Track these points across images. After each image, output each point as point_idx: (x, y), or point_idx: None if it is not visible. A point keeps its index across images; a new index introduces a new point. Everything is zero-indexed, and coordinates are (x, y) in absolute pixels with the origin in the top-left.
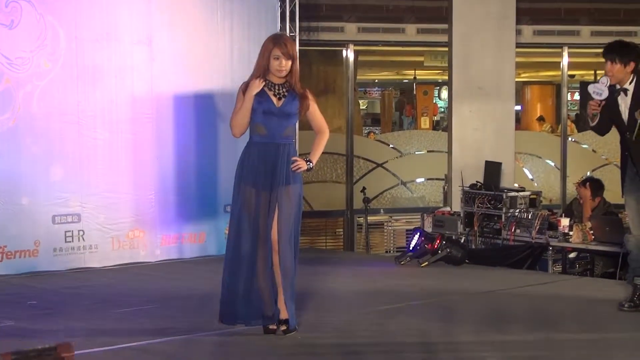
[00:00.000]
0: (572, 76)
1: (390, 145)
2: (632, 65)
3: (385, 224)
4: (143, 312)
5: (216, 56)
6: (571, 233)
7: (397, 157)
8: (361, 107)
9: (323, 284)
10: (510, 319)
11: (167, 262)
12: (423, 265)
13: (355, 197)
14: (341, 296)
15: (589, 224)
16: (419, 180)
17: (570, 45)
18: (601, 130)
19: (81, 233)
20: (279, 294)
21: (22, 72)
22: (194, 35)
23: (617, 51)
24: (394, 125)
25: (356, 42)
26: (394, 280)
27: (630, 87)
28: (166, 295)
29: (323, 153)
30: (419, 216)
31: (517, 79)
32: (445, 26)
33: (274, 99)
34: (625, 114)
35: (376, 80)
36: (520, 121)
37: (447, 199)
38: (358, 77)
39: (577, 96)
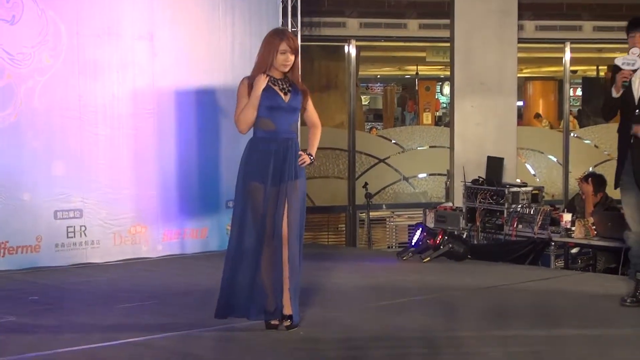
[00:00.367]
0: (574, 72)
1: (393, 141)
2: None
3: (388, 219)
4: (145, 308)
5: (218, 51)
6: (573, 228)
7: (399, 153)
8: (363, 103)
9: (325, 280)
10: (512, 315)
11: (169, 258)
12: (425, 260)
13: (358, 193)
14: (343, 291)
15: (591, 220)
16: (421, 175)
17: (573, 41)
18: (612, 110)
19: (83, 228)
20: (284, 289)
21: (23, 67)
22: (195, 30)
23: None
24: (396, 120)
25: (358, 38)
26: (396, 275)
27: None
28: (168, 290)
29: (325, 148)
30: (421, 212)
31: (519, 75)
32: (447, 21)
33: (281, 94)
34: (638, 92)
35: (378, 76)
36: (522, 117)
37: (449, 194)
38: (360, 73)
39: (579, 92)
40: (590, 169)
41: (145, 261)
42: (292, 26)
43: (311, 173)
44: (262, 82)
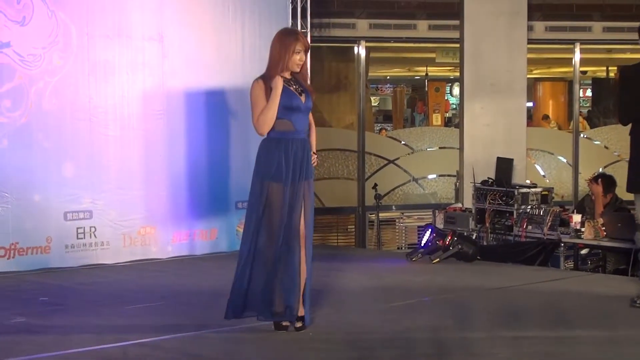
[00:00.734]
0: (584, 72)
1: (402, 142)
2: None
3: (397, 220)
4: (154, 309)
5: (227, 53)
6: (583, 229)
7: (408, 154)
8: (373, 104)
9: (334, 281)
10: (522, 316)
11: (178, 259)
12: (434, 261)
13: (367, 194)
14: (352, 292)
15: (600, 221)
16: (430, 176)
17: (582, 42)
18: (636, 111)
19: (93, 229)
20: (299, 290)
21: (34, 68)
22: (205, 31)
23: None
24: (405, 121)
25: (368, 39)
26: (405, 276)
27: None
28: (177, 291)
29: (335, 149)
30: (431, 212)
31: (528, 76)
32: (456, 22)
33: (298, 95)
34: None
35: (388, 77)
36: (532, 118)
37: (458, 195)
38: (370, 74)
39: (589, 92)
40: (600, 169)
41: (155, 262)
42: (302, 27)
43: (321, 174)
44: (280, 84)
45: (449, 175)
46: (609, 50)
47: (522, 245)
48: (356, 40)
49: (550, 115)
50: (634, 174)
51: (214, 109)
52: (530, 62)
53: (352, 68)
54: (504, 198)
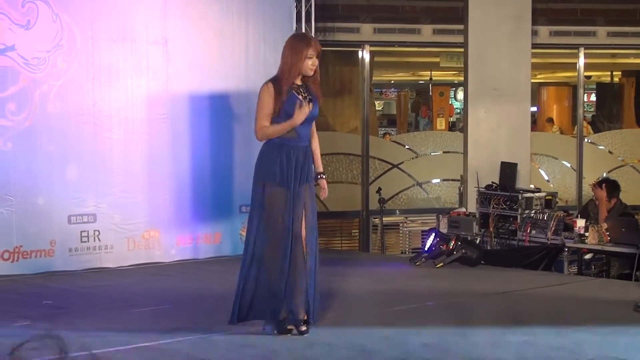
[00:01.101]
0: (588, 77)
1: (406, 146)
2: None
3: (401, 224)
4: (158, 312)
5: (231, 57)
6: (587, 234)
7: (412, 158)
8: (377, 108)
9: (338, 285)
10: (525, 320)
11: (182, 263)
12: (438, 266)
13: (371, 198)
14: (356, 296)
15: (604, 225)
16: (434, 181)
17: (587, 46)
18: None
19: (97, 233)
20: (303, 294)
21: (38, 72)
22: (209, 35)
23: None
24: (409, 126)
25: (372, 43)
26: (409, 281)
27: None
28: (181, 295)
29: (339, 154)
30: (435, 217)
31: (533, 80)
32: (461, 27)
33: (306, 104)
34: None
35: (392, 81)
36: (536, 122)
37: (462, 199)
38: (374, 78)
39: (593, 97)
40: (604, 174)
41: (159, 266)
42: (306, 31)
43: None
44: (303, 115)
45: (452, 180)
46: (613, 55)
47: (525, 249)
48: (360, 44)
49: (554, 120)
50: None
51: (217, 112)
52: (535, 66)
53: (357, 72)
54: (507, 203)
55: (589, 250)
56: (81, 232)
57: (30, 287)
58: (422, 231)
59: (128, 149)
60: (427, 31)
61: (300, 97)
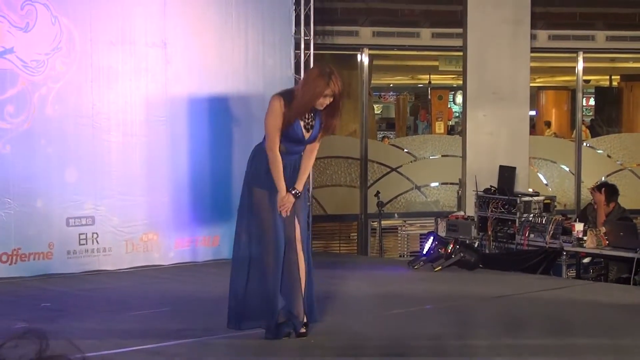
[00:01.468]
0: (587, 81)
1: (405, 150)
2: None
3: (399, 228)
4: (156, 315)
5: (230, 59)
6: (585, 238)
7: (411, 162)
8: (376, 112)
9: (336, 288)
10: (523, 324)
11: (180, 265)
12: (436, 269)
13: (369, 201)
14: (354, 300)
15: (603, 229)
16: (433, 184)
17: (586, 50)
18: None
19: (95, 236)
20: (300, 297)
21: (37, 74)
22: (208, 38)
23: None
24: (408, 129)
25: (371, 46)
26: (407, 284)
27: None
28: (179, 298)
29: (338, 157)
30: (433, 220)
31: (531, 84)
32: (460, 30)
33: (304, 131)
34: None
35: (391, 85)
36: (534, 126)
37: (461, 203)
38: (373, 82)
39: (592, 101)
40: (603, 178)
41: (157, 269)
42: (305, 35)
43: (323, 181)
44: (286, 203)
45: (451, 183)
46: (612, 59)
47: (524, 253)
48: (359, 47)
49: (553, 124)
50: None
51: (216, 115)
52: (534, 70)
53: (355, 76)
54: (506, 206)
55: (588, 254)
56: (79, 234)
57: (29, 289)
58: (421, 235)
59: (127, 151)
60: (426, 35)
61: (301, 122)
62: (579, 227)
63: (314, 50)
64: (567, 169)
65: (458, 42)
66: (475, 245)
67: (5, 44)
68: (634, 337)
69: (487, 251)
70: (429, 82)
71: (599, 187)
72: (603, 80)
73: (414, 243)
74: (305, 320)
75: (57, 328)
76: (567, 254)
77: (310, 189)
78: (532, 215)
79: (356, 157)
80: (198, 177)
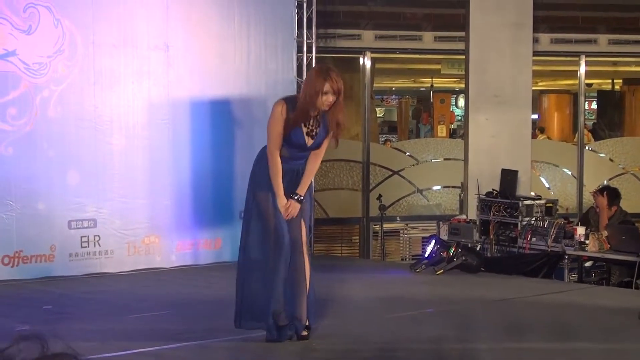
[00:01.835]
0: (589, 85)
1: (407, 153)
2: None
3: (401, 231)
4: (158, 318)
5: (232, 62)
6: (587, 242)
7: (413, 165)
8: (378, 115)
9: (338, 291)
10: (526, 327)
11: (182, 268)
12: (438, 273)
13: (371, 205)
14: (356, 303)
15: (605, 233)
16: (435, 188)
17: (588, 54)
18: None
19: (97, 238)
20: (304, 300)
21: (39, 77)
22: (210, 41)
23: None
24: (410, 133)
25: (373, 50)
26: (409, 287)
27: None
28: (181, 301)
29: (340, 160)
30: (435, 224)
31: (534, 88)
32: (462, 34)
33: (307, 138)
34: None
35: (393, 88)
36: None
37: (463, 206)
38: (375, 85)
39: (594, 105)
40: (605, 182)
41: (159, 271)
42: (307, 38)
43: (325, 184)
44: (286, 212)
45: (453, 187)
46: (615, 63)
47: (526, 257)
48: (361, 51)
49: (555, 128)
50: None
51: (218, 118)
52: (536, 74)
53: (357, 79)
54: (508, 210)
55: (590, 258)
56: (81, 237)
57: (30, 292)
58: (423, 238)
59: (129, 154)
60: (428, 38)
61: (304, 129)
62: (581, 230)
63: (316, 53)
64: (569, 173)
65: (460, 46)
66: (477, 248)
67: (7, 46)
68: (636, 341)
69: (489, 254)
70: (431, 86)
71: (601, 191)
72: (605, 84)
73: (416, 246)
74: (307, 323)
75: (59, 331)
76: (569, 258)
77: (313, 192)
78: (534, 218)
79: (358, 160)
80: (200, 180)
